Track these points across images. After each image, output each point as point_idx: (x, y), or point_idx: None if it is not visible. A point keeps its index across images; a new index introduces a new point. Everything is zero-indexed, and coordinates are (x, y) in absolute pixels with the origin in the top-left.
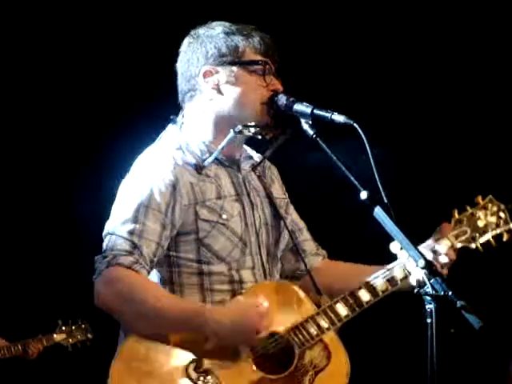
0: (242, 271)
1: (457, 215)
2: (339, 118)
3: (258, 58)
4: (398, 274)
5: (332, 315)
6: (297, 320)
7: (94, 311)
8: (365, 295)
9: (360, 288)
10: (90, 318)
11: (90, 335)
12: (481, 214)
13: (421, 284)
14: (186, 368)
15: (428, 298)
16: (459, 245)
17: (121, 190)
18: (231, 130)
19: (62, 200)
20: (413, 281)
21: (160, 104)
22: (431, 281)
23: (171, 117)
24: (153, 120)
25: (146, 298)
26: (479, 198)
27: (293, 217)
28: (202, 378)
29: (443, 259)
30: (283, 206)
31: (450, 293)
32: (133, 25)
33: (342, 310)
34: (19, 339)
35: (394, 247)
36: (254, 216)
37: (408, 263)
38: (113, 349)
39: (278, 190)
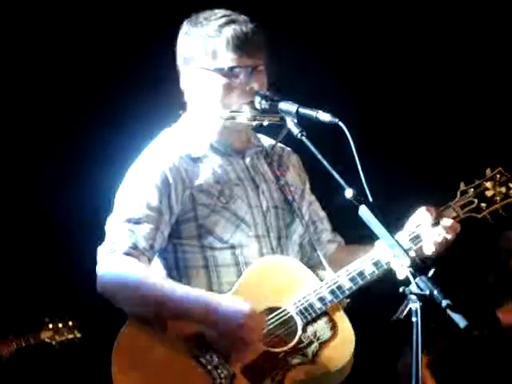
0: (247, 253)
1: (463, 186)
2: (324, 116)
3: (238, 60)
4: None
5: (335, 288)
6: (300, 294)
7: (82, 309)
8: (368, 267)
9: (363, 260)
10: (79, 316)
11: (77, 333)
12: (489, 184)
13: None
14: (190, 348)
15: (413, 296)
16: (465, 215)
17: (121, 186)
18: (219, 117)
19: (46, 198)
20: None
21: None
22: (416, 279)
23: (179, 112)
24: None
25: (148, 284)
26: (488, 170)
27: (313, 206)
28: (207, 357)
29: (440, 236)
30: (297, 192)
31: (435, 292)
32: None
33: (344, 282)
34: (5, 337)
35: (380, 246)
36: (259, 199)
37: (393, 261)
38: (101, 346)
39: (294, 177)
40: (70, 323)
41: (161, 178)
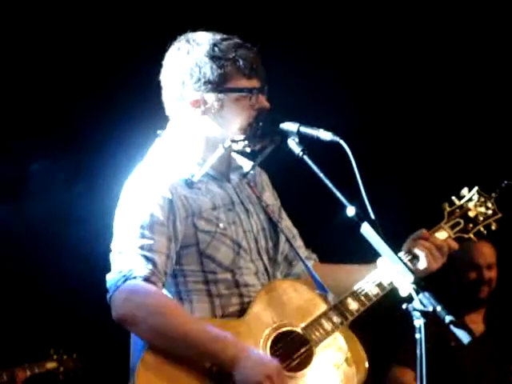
0: (246, 277)
1: (448, 207)
2: (326, 135)
3: (245, 82)
4: None
5: (343, 310)
6: (309, 317)
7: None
8: (373, 289)
9: (367, 282)
10: (80, 347)
11: (80, 364)
12: (470, 205)
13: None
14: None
15: (417, 313)
16: (455, 235)
17: (120, 212)
18: (220, 146)
19: (55, 227)
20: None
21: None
22: (419, 296)
23: (158, 132)
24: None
25: (169, 315)
26: (465, 190)
27: (286, 223)
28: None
29: (435, 255)
30: (276, 211)
31: (438, 308)
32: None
33: (352, 304)
34: (9, 366)
35: (382, 263)
36: (250, 223)
37: (396, 278)
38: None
39: (270, 196)
40: (74, 355)
41: (168, 206)
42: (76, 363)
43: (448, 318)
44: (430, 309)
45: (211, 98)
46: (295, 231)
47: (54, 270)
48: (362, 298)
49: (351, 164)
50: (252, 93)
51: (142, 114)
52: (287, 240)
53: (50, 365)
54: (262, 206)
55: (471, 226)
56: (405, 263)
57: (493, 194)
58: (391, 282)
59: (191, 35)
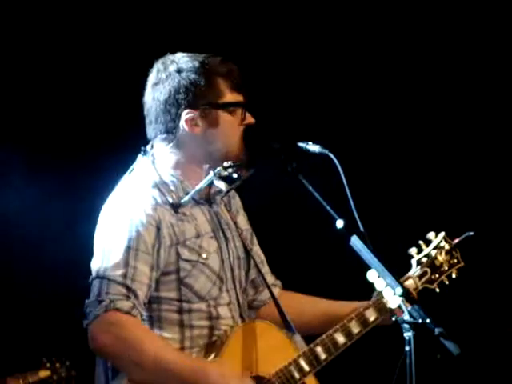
0: (219, 308)
1: (415, 255)
2: (314, 148)
3: (236, 96)
4: (371, 317)
5: (312, 358)
6: (280, 363)
7: (76, 349)
8: (340, 337)
9: (336, 330)
10: (73, 355)
11: (74, 372)
12: (436, 253)
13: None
14: None
15: (406, 325)
16: (422, 286)
17: (104, 232)
18: (211, 173)
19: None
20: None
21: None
22: (409, 308)
23: (142, 148)
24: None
25: (148, 348)
26: (432, 235)
27: (256, 248)
28: None
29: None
30: (248, 238)
31: (427, 320)
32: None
33: (320, 353)
34: (1, 377)
35: (371, 276)
36: (228, 251)
37: (385, 291)
38: None
39: (243, 221)
40: (68, 363)
41: (155, 233)
42: (69, 371)
43: (437, 330)
44: (420, 321)
45: (207, 114)
46: (263, 257)
47: (44, 276)
48: (331, 347)
49: (340, 176)
50: (245, 107)
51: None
52: (256, 265)
53: (44, 373)
54: (238, 232)
55: (437, 276)
56: (393, 275)
57: (456, 241)
58: (360, 331)
59: (172, 57)
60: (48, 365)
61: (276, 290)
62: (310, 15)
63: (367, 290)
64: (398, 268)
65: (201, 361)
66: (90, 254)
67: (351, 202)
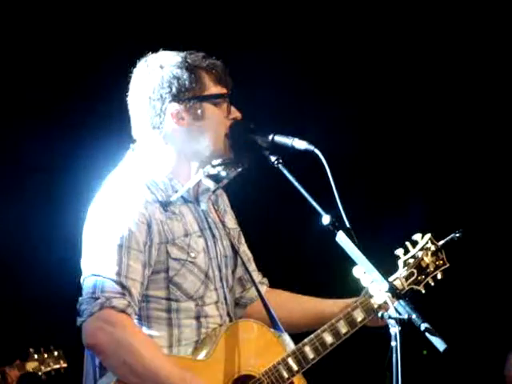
0: (206, 307)
1: (402, 256)
2: (300, 144)
3: (221, 89)
4: (358, 317)
5: (300, 358)
6: (269, 362)
7: (66, 339)
8: (328, 337)
9: (324, 330)
10: (64, 345)
11: (63, 362)
12: (422, 254)
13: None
14: None
15: (392, 321)
16: (408, 287)
17: (94, 230)
18: (201, 171)
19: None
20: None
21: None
22: (395, 304)
23: (130, 145)
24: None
25: (140, 351)
26: (418, 236)
27: (244, 247)
28: None
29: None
30: (236, 236)
31: (413, 316)
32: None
33: (309, 352)
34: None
35: (357, 271)
36: (216, 250)
37: (371, 287)
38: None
39: (231, 220)
40: (56, 353)
41: (146, 231)
42: (58, 361)
43: (423, 326)
44: (406, 316)
45: (192, 107)
46: (250, 254)
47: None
48: (319, 347)
49: (326, 172)
50: (229, 98)
51: (109, 128)
52: (243, 263)
53: (31, 365)
54: (226, 231)
55: (423, 277)
56: (379, 271)
57: (441, 242)
58: (348, 331)
59: (154, 55)
60: (36, 356)
61: (263, 288)
62: (310, 14)
63: (354, 287)
64: (385, 269)
65: (188, 372)
66: (73, 251)
67: (337, 199)
